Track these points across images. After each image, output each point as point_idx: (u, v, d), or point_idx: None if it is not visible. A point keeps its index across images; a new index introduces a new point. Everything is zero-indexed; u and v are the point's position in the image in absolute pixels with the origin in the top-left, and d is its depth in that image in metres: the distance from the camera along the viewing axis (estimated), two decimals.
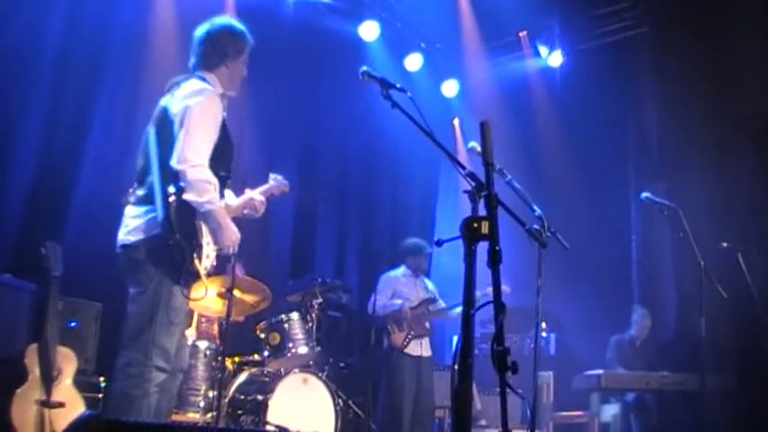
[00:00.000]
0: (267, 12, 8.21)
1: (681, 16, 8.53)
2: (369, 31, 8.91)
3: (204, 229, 4.18)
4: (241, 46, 4.44)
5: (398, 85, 3.62)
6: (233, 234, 4.28)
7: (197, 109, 4.13)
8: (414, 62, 9.52)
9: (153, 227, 4.05)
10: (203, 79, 4.34)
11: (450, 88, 10.05)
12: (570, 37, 9.56)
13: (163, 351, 4.04)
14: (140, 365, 3.98)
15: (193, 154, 4.04)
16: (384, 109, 3.61)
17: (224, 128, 4.32)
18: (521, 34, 9.65)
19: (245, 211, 4.73)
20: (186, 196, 4.03)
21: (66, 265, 5.65)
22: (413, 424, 7.15)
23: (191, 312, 6.59)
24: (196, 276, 4.10)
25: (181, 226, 3.99)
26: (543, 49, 9.62)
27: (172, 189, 4.02)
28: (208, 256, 4.20)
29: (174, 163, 4.04)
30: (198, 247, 4.09)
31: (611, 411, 7.87)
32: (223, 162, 4.31)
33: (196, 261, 4.05)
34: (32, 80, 6.63)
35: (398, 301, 7.27)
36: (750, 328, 6.53)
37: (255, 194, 4.77)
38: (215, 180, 4.12)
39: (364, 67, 3.82)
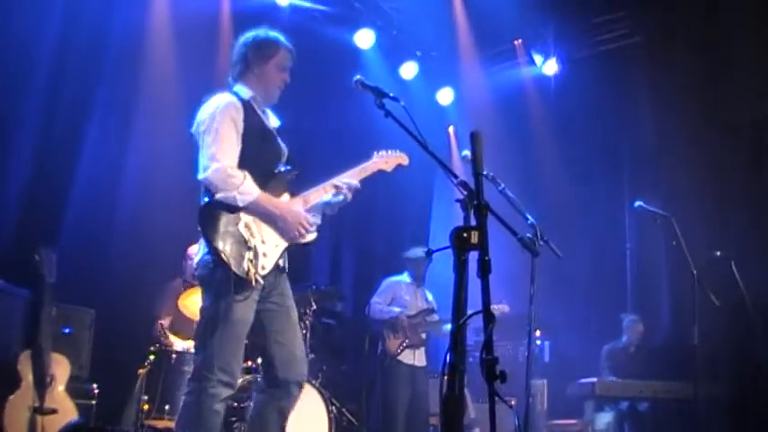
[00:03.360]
0: (262, 18, 8.19)
1: (675, 25, 8.57)
2: (364, 39, 8.94)
3: (257, 227, 4.01)
4: (267, 51, 4.33)
5: (391, 94, 3.63)
6: (292, 216, 4.10)
7: (203, 121, 4.09)
8: (409, 70, 9.54)
9: (203, 247, 3.99)
10: (230, 90, 4.28)
11: (445, 96, 10.07)
12: (565, 45, 9.59)
13: (226, 364, 3.91)
14: (204, 380, 3.90)
15: (207, 159, 3.96)
16: (379, 116, 3.62)
17: (254, 127, 4.18)
18: (516, 43, 9.67)
19: (332, 199, 4.41)
20: (218, 197, 3.92)
21: (60, 271, 5.65)
22: (406, 431, 7.14)
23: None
24: (246, 280, 3.89)
25: (215, 235, 3.88)
26: (538, 58, 9.65)
27: (204, 201, 3.98)
28: (265, 255, 4.00)
29: (199, 177, 3.99)
30: (246, 250, 3.92)
31: (605, 419, 7.85)
32: (267, 160, 4.19)
33: (247, 264, 3.88)
34: (27, 86, 6.64)
35: (397, 309, 7.27)
36: (743, 336, 6.54)
37: (340, 180, 4.40)
38: (239, 172, 3.95)
39: (358, 76, 3.84)
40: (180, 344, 6.19)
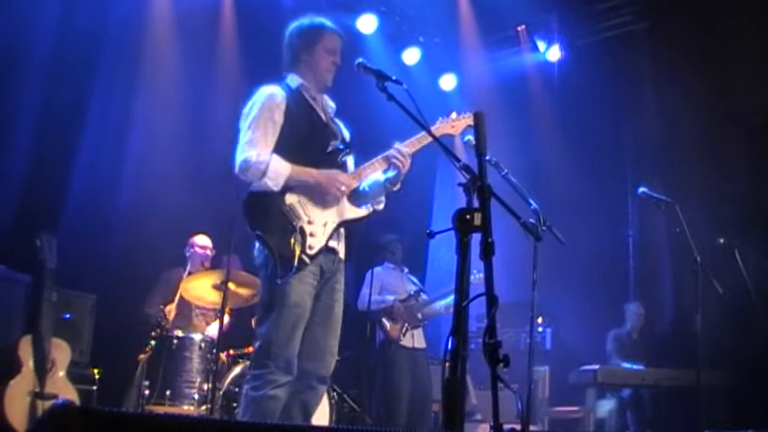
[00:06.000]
0: (266, 3, 8.18)
1: (679, 13, 8.51)
2: (367, 24, 8.87)
3: (302, 208, 4.04)
4: (312, 37, 4.29)
5: (394, 78, 3.61)
6: (326, 179, 4.08)
7: (243, 115, 4.18)
8: (412, 56, 9.48)
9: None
10: (280, 80, 4.30)
11: (447, 82, 10.00)
12: (569, 32, 9.51)
13: (281, 350, 3.94)
14: (262, 366, 3.95)
15: (237, 156, 4.04)
16: (381, 101, 3.59)
17: (301, 114, 4.19)
18: (519, 29, 9.60)
19: (389, 174, 4.28)
20: (254, 187, 4.02)
21: (61, 256, 5.63)
22: (409, 417, 7.12)
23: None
24: (297, 261, 3.94)
25: (258, 222, 3.97)
26: (541, 44, 9.57)
27: (247, 192, 4.07)
28: (313, 234, 4.02)
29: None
30: (292, 233, 3.97)
31: (606, 407, 7.86)
32: (317, 142, 4.20)
33: (293, 245, 3.93)
34: (27, 72, 6.60)
35: (390, 297, 7.24)
36: (746, 323, 6.52)
37: (393, 149, 4.26)
38: (264, 158, 3.97)
39: (360, 59, 3.82)
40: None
